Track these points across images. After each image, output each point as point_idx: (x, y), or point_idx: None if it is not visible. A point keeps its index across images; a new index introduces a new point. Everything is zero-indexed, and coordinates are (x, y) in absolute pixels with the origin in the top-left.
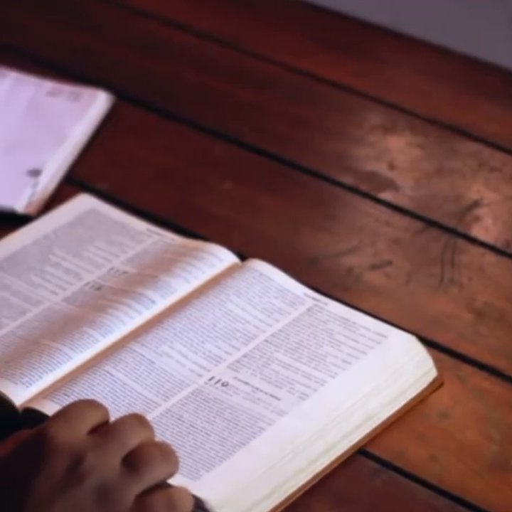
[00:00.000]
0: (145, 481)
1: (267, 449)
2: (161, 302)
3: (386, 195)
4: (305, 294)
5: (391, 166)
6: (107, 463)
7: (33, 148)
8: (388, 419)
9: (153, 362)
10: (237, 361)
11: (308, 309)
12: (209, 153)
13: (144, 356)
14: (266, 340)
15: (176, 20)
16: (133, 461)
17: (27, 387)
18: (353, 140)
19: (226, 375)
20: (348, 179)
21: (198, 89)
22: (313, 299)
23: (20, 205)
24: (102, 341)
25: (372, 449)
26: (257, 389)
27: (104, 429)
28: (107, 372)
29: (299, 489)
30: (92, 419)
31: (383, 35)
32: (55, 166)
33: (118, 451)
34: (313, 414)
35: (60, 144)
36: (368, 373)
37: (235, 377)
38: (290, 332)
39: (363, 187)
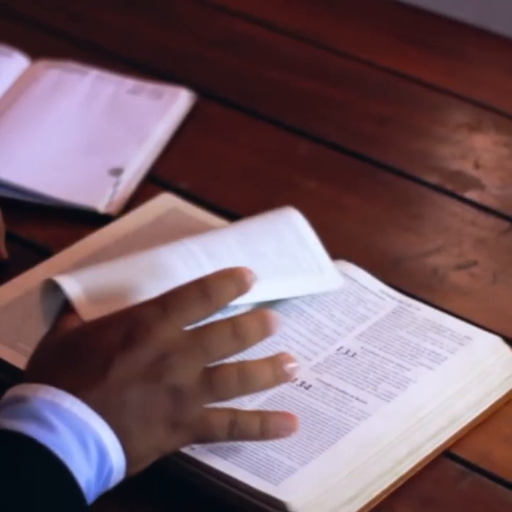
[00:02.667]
0: (217, 397)
1: (351, 451)
2: (240, 304)
3: (471, 195)
4: (389, 295)
5: (476, 165)
6: (188, 369)
7: (115, 147)
8: (474, 421)
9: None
10: (321, 363)
11: (393, 311)
12: (293, 152)
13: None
14: (349, 343)
15: (259, 17)
16: (211, 378)
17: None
18: (438, 139)
19: (309, 378)
20: (433, 178)
21: (282, 87)
22: (398, 300)
23: (101, 204)
24: None
25: (458, 452)
26: (341, 391)
27: (196, 332)
28: None
29: (384, 492)
30: (192, 315)
31: (469, 32)
32: (136, 165)
33: (201, 359)
34: (398, 416)
35: (141, 143)
36: (453, 375)
37: (318, 379)
38: (374, 334)
39: (448, 186)
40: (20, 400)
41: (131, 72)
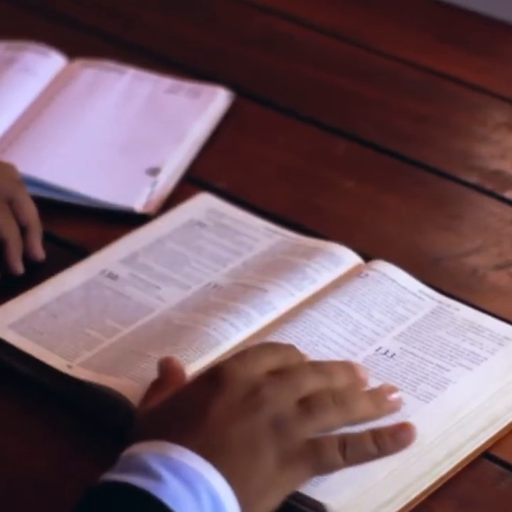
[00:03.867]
0: (319, 423)
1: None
2: (280, 306)
3: (511, 194)
4: (428, 296)
5: None
6: (283, 398)
7: (152, 147)
8: None
9: None
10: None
11: (432, 311)
12: (331, 151)
13: None
14: (388, 343)
15: (296, 15)
16: (307, 404)
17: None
18: (477, 138)
19: None
20: (472, 178)
21: (320, 86)
22: (437, 300)
23: (138, 204)
24: (213, 350)
25: (497, 453)
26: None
27: (279, 372)
28: None
29: (423, 493)
30: (269, 362)
31: (508, 31)
32: (174, 165)
33: (293, 392)
34: (437, 417)
35: (179, 142)
36: (492, 375)
37: None
38: (413, 334)
39: (488, 186)
40: (130, 456)
41: (169, 71)
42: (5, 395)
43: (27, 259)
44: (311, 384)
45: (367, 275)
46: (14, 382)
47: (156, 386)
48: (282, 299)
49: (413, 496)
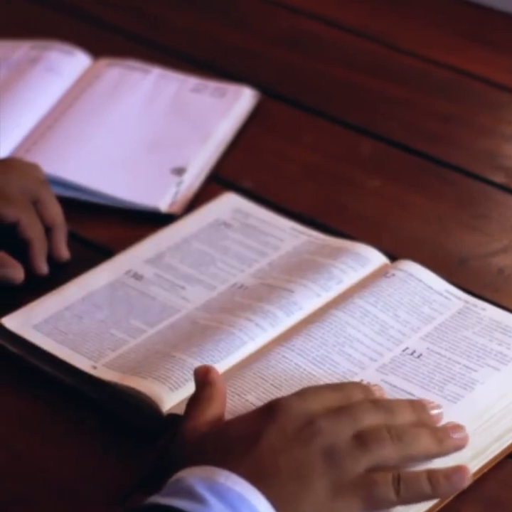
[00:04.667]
0: (373, 457)
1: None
2: (306, 306)
3: None
4: (455, 296)
5: None
6: (338, 431)
7: (178, 146)
8: None
9: (299, 366)
10: (386, 365)
11: (459, 311)
12: (356, 150)
13: (290, 361)
14: (415, 344)
15: (322, 14)
16: (363, 437)
17: (172, 391)
18: (504, 137)
19: (375, 379)
20: (498, 177)
21: (346, 85)
22: (464, 300)
23: (163, 204)
24: (238, 351)
25: None
26: (407, 392)
27: (337, 407)
28: (253, 376)
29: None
30: (328, 400)
31: None
32: (199, 164)
33: (349, 425)
34: (464, 417)
35: (204, 142)
36: None
37: (384, 381)
38: (440, 334)
39: None
40: (177, 480)
41: (194, 71)
42: (29, 395)
43: (52, 259)
44: (369, 420)
45: (393, 275)
46: (38, 383)
47: (196, 402)
48: (308, 299)
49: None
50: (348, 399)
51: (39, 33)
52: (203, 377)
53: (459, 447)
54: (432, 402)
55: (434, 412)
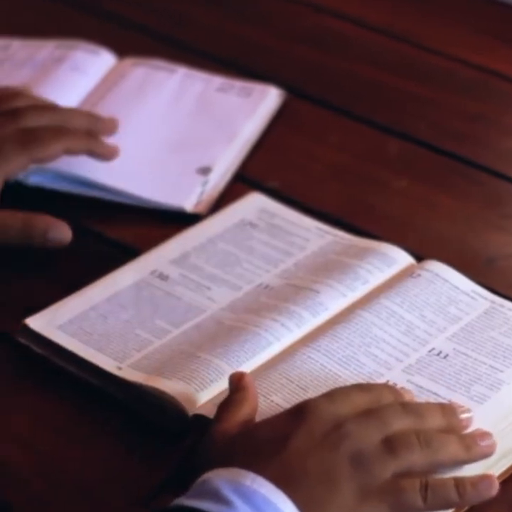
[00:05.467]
0: (402, 463)
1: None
2: (332, 307)
3: None
4: (481, 296)
5: None
6: (366, 435)
7: (203, 146)
8: None
9: (325, 366)
10: (412, 365)
11: (485, 311)
12: (383, 150)
13: (316, 361)
14: (441, 344)
15: (348, 13)
16: (391, 442)
17: (197, 392)
18: None
19: (401, 379)
20: None
21: (372, 85)
22: (490, 300)
23: (189, 204)
24: (264, 351)
25: None
26: (433, 393)
27: (367, 411)
28: (279, 377)
29: None
30: (357, 402)
31: None
32: (225, 164)
33: (377, 430)
34: (491, 418)
35: (230, 141)
36: None
37: (410, 381)
38: (466, 335)
39: None
40: (203, 482)
41: (220, 70)
42: (54, 396)
43: (78, 263)
44: (398, 424)
45: (419, 275)
46: (63, 383)
47: (228, 405)
48: (334, 299)
49: None
50: (377, 401)
51: (64, 33)
52: (237, 382)
53: (486, 455)
54: (463, 407)
55: (464, 416)
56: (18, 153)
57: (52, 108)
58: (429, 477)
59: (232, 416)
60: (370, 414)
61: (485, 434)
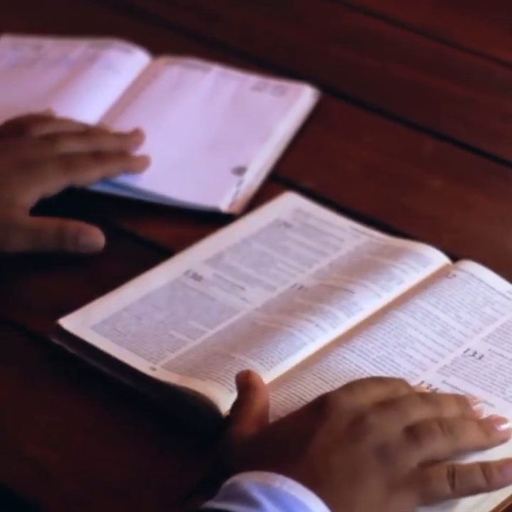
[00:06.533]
0: (426, 450)
1: (476, 456)
2: (367, 307)
3: None
4: None
5: None
6: (388, 426)
7: (238, 145)
8: None
9: (359, 367)
10: (447, 366)
11: None
12: (418, 149)
13: (351, 362)
14: (477, 345)
15: (383, 12)
16: (414, 431)
17: (231, 392)
18: None
19: (436, 380)
20: None
21: (407, 84)
22: None
23: (224, 204)
24: (298, 352)
25: None
26: (468, 394)
27: (386, 401)
28: (313, 377)
29: (510, 498)
30: (376, 393)
31: None
32: (259, 164)
33: (399, 420)
34: None
35: (265, 141)
36: None
37: (445, 382)
38: (502, 336)
39: None
40: (232, 484)
41: (254, 69)
42: (86, 396)
43: (112, 263)
44: (418, 413)
45: (454, 276)
46: (96, 384)
47: (239, 405)
48: (369, 300)
49: (500, 500)
50: (394, 392)
51: (97, 32)
52: (244, 381)
53: (504, 439)
54: (476, 398)
55: (477, 407)
56: (60, 175)
57: (84, 133)
58: (455, 464)
59: (246, 416)
60: (389, 404)
61: (501, 419)
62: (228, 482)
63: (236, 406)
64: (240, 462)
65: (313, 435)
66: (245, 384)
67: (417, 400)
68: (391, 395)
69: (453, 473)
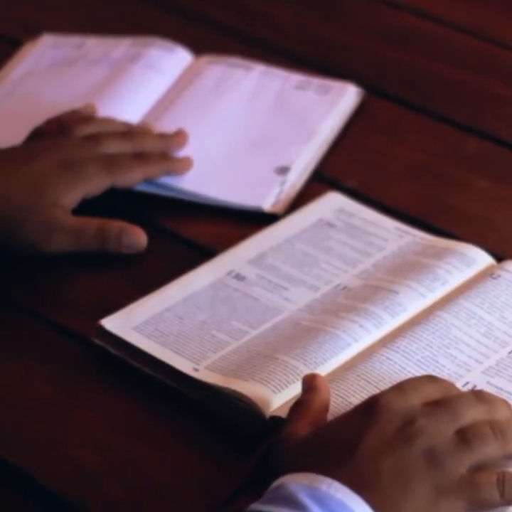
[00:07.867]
0: (476, 455)
1: None
2: (411, 307)
3: None
4: None
5: None
6: (439, 429)
7: (281, 145)
8: None
9: (403, 368)
10: (492, 367)
11: None
12: (463, 149)
13: (395, 363)
14: None
15: (427, 11)
16: (465, 434)
17: (275, 393)
18: None
19: (480, 381)
20: None
21: (451, 83)
22: None
23: (267, 203)
24: (342, 353)
25: None
26: None
27: (438, 401)
28: (357, 378)
29: None
30: (428, 392)
31: None
32: (303, 163)
33: (450, 422)
34: None
35: (308, 140)
36: None
37: (489, 383)
38: None
39: None
40: (278, 487)
41: (296, 67)
42: (129, 397)
43: (154, 263)
44: (470, 414)
45: (499, 276)
46: (138, 384)
47: (299, 406)
48: (413, 300)
49: None
50: (448, 390)
51: (139, 30)
52: (309, 383)
53: None
54: None
55: None
56: (102, 176)
57: (127, 133)
58: (506, 471)
59: (303, 417)
60: (442, 405)
61: None
62: (275, 484)
63: (295, 406)
64: (290, 462)
65: (362, 438)
66: (310, 386)
67: (472, 399)
68: (444, 394)
69: (503, 481)
